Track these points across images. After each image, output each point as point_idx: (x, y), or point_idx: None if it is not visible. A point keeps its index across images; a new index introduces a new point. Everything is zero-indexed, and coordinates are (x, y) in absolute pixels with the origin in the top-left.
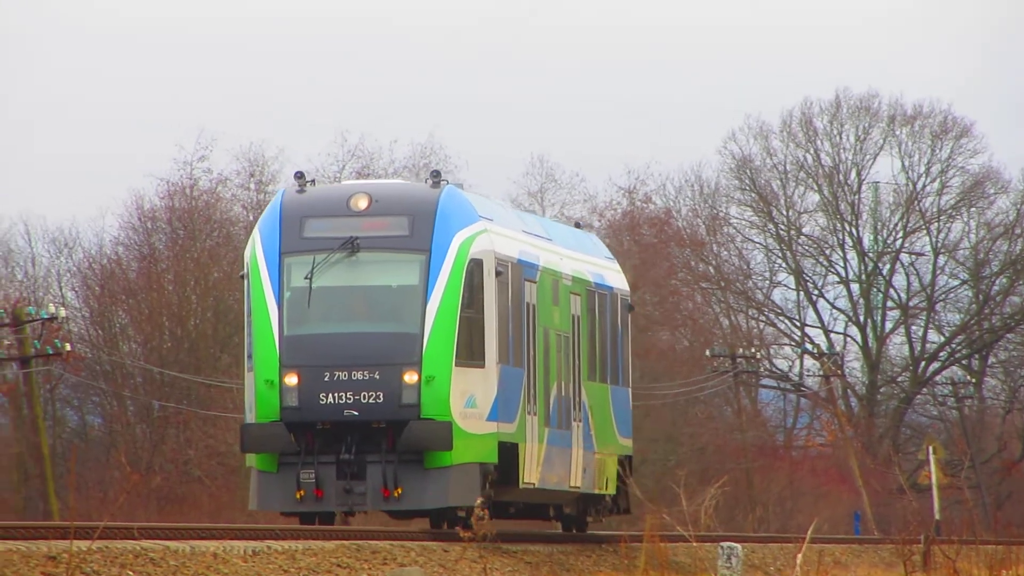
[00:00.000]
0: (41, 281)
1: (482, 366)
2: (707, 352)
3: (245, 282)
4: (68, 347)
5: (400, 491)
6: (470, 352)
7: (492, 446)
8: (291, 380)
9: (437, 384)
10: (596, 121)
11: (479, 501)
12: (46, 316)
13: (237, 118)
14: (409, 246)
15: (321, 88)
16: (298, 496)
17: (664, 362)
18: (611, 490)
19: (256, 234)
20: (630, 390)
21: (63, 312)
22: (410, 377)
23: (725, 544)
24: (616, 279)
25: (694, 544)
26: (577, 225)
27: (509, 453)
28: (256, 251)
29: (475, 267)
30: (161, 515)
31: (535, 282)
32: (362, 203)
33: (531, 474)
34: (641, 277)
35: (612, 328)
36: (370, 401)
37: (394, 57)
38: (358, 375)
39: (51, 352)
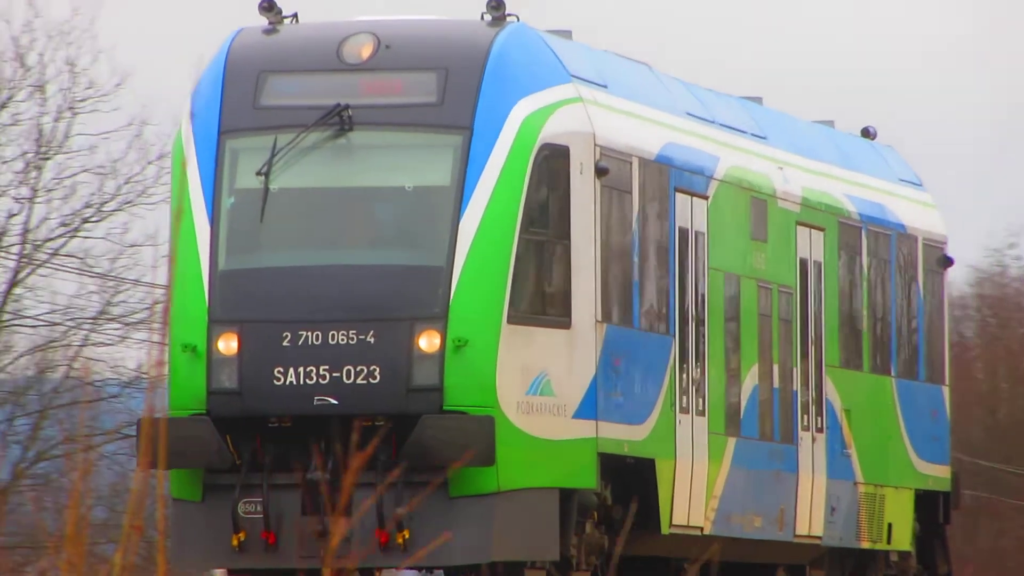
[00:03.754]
0: None
1: (566, 325)
2: None
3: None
4: None
5: (407, 535)
6: (539, 300)
7: (586, 460)
8: (227, 345)
9: (473, 352)
10: None
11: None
12: None
13: None
14: (436, 120)
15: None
16: (235, 543)
17: None
18: (903, 544)
19: (187, 104)
20: (946, 389)
21: None
22: (427, 341)
23: None
24: (918, 216)
25: None
26: (866, 133)
27: (636, 474)
28: (183, 130)
29: (551, 157)
30: None
31: (704, 197)
32: (364, 51)
33: (691, 512)
34: None
35: (904, 288)
36: (359, 381)
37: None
38: (339, 338)
39: None
